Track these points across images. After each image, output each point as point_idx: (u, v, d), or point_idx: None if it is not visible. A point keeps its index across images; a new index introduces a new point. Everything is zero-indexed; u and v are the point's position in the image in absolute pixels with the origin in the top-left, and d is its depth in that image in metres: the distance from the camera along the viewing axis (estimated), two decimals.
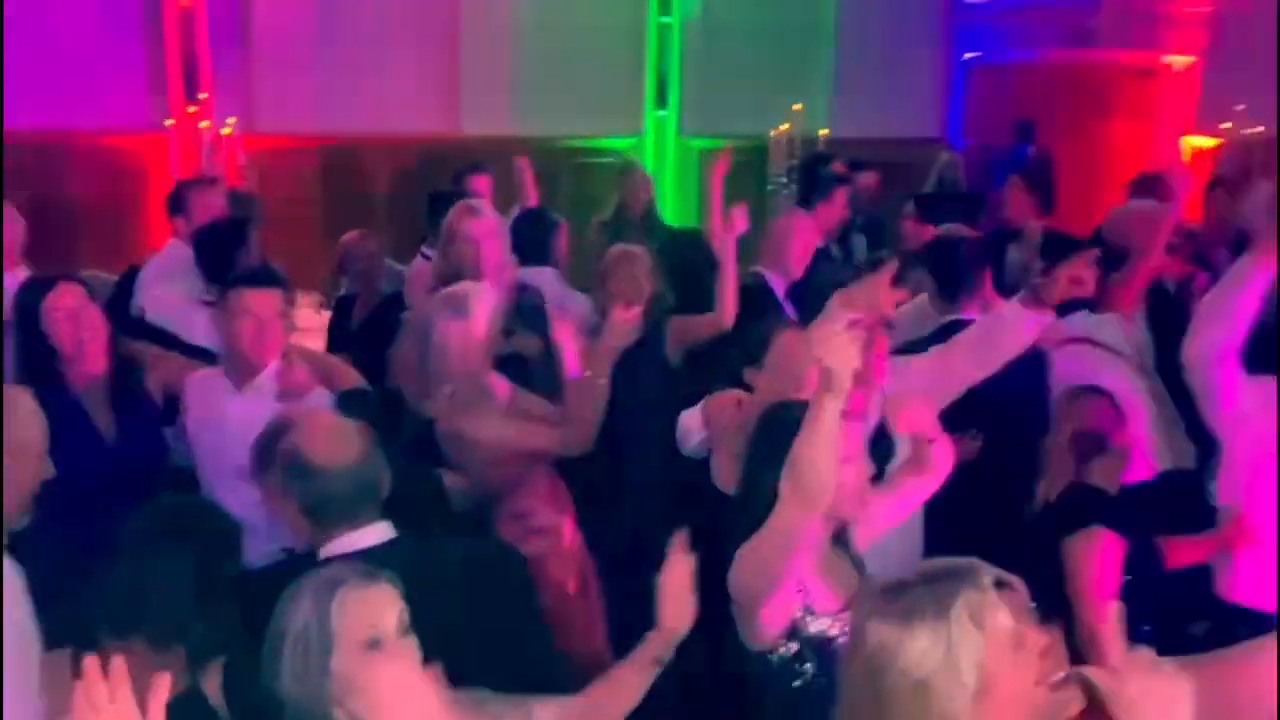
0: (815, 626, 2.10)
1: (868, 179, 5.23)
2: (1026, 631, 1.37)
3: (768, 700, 2.12)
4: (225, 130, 6.41)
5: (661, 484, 3.30)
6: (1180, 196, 4.01)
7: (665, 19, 6.84)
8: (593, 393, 2.84)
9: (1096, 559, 2.46)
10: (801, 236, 4.23)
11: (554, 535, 2.60)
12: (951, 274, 3.48)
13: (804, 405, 2.02)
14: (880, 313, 2.89)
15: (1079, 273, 2.78)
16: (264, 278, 2.91)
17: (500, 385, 2.94)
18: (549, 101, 6.66)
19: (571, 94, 6.63)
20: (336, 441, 2.07)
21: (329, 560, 1.96)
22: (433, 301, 3.05)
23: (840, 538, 2.24)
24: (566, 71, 6.55)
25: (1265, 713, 1.62)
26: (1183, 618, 3.00)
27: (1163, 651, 1.52)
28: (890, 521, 2.41)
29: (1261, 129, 7.15)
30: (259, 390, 2.77)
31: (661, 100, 6.86)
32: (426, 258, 4.20)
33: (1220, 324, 2.64)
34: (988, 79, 7.65)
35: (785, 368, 2.52)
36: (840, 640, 2.05)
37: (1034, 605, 1.75)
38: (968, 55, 7.41)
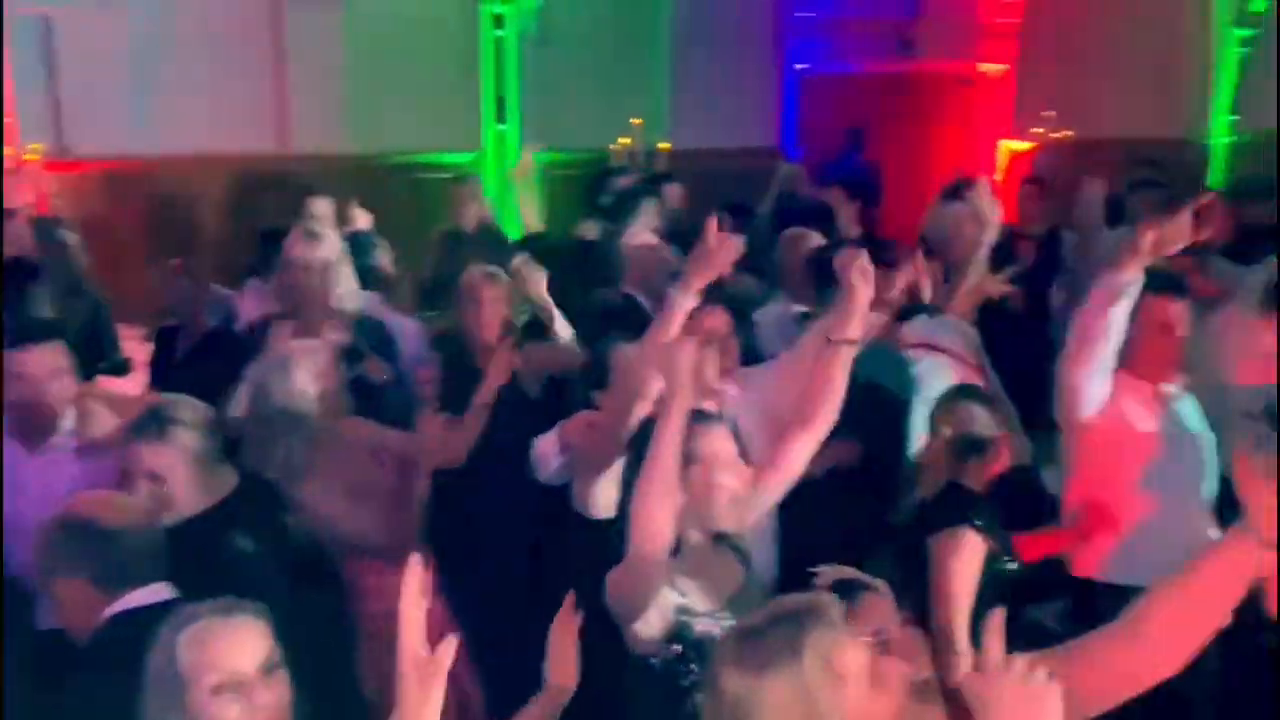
0: (700, 627, 2.08)
1: (673, 191, 5.27)
2: (882, 664, 1.35)
3: (658, 700, 2.10)
4: (30, 156, 5.97)
5: (525, 513, 3.21)
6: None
7: (500, 33, 6.74)
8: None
9: (961, 559, 2.50)
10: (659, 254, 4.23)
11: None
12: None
13: None
14: (722, 320, 2.92)
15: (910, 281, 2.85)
16: (35, 334, 2.71)
17: (360, 428, 2.90)
18: (383, 118, 6.47)
19: (407, 110, 6.46)
20: (117, 504, 2.05)
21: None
22: (261, 367, 2.91)
23: (723, 535, 2.23)
24: (401, 87, 6.37)
25: (1108, 698, 1.67)
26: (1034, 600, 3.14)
27: (1016, 639, 1.55)
28: (786, 479, 2.44)
29: (1070, 132, 7.64)
30: (56, 450, 2.61)
31: (500, 115, 6.76)
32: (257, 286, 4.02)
33: (1099, 341, 2.78)
34: (818, 89, 7.87)
35: (628, 386, 2.44)
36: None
37: (903, 609, 1.76)
38: (799, 66, 7.61)
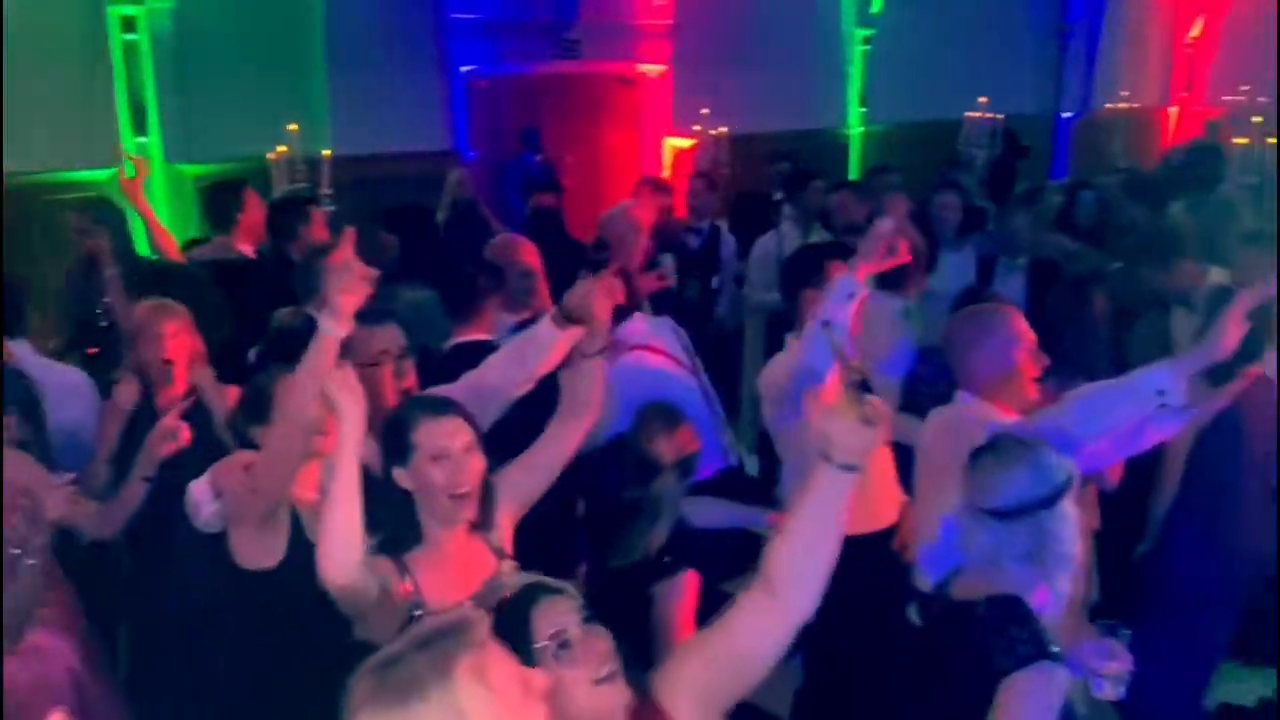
0: None
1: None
2: (530, 675, 1.34)
3: None
4: None
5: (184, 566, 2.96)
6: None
7: (131, 37, 6.16)
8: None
9: (682, 599, 2.53)
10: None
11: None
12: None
13: None
14: (393, 338, 2.85)
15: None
16: None
17: None
18: (9, 135, 5.71)
19: (33, 125, 5.73)
20: None
21: None
22: None
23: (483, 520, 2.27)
24: (20, 100, 5.65)
25: (766, 655, 1.78)
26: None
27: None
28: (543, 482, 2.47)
29: (725, 129, 8.12)
30: None
31: (140, 126, 6.20)
32: None
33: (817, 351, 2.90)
34: (487, 91, 7.87)
35: (293, 416, 2.30)
36: None
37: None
38: (465, 68, 7.56)
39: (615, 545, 2.61)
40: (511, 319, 3.79)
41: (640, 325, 3.71)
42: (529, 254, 3.97)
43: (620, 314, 3.54)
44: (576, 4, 7.74)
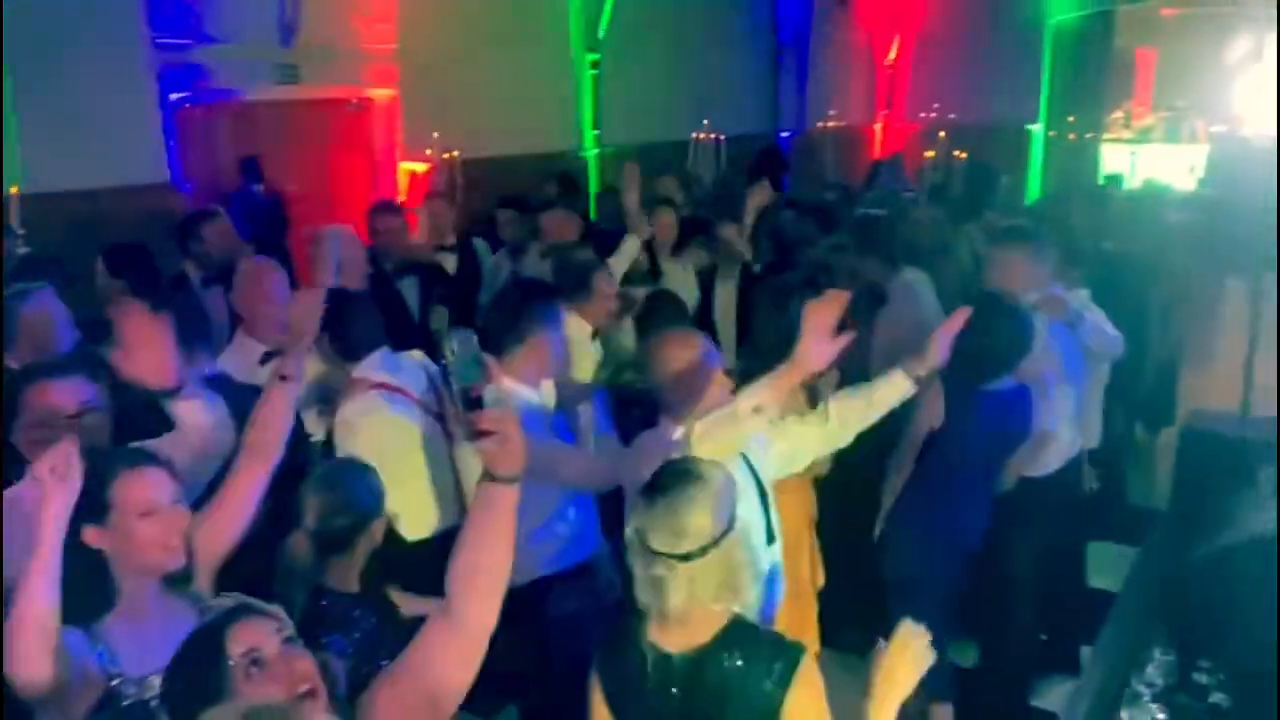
0: (130, 692, 2.01)
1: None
2: None
3: None
4: None
5: None
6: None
7: None
8: None
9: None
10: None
11: None
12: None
13: None
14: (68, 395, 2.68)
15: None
16: None
17: None
18: None
19: None
20: None
21: None
22: None
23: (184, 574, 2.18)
24: None
25: (455, 688, 1.82)
26: None
27: None
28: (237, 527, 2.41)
29: (456, 153, 8.13)
30: None
31: None
32: None
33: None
34: (202, 119, 7.49)
35: None
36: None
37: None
38: (175, 96, 7.15)
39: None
40: (261, 347, 3.77)
41: (379, 361, 3.55)
42: (273, 282, 3.94)
43: (364, 346, 3.51)
44: (293, 28, 7.50)
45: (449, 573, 1.82)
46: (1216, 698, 2.85)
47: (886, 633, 2.00)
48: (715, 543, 2.08)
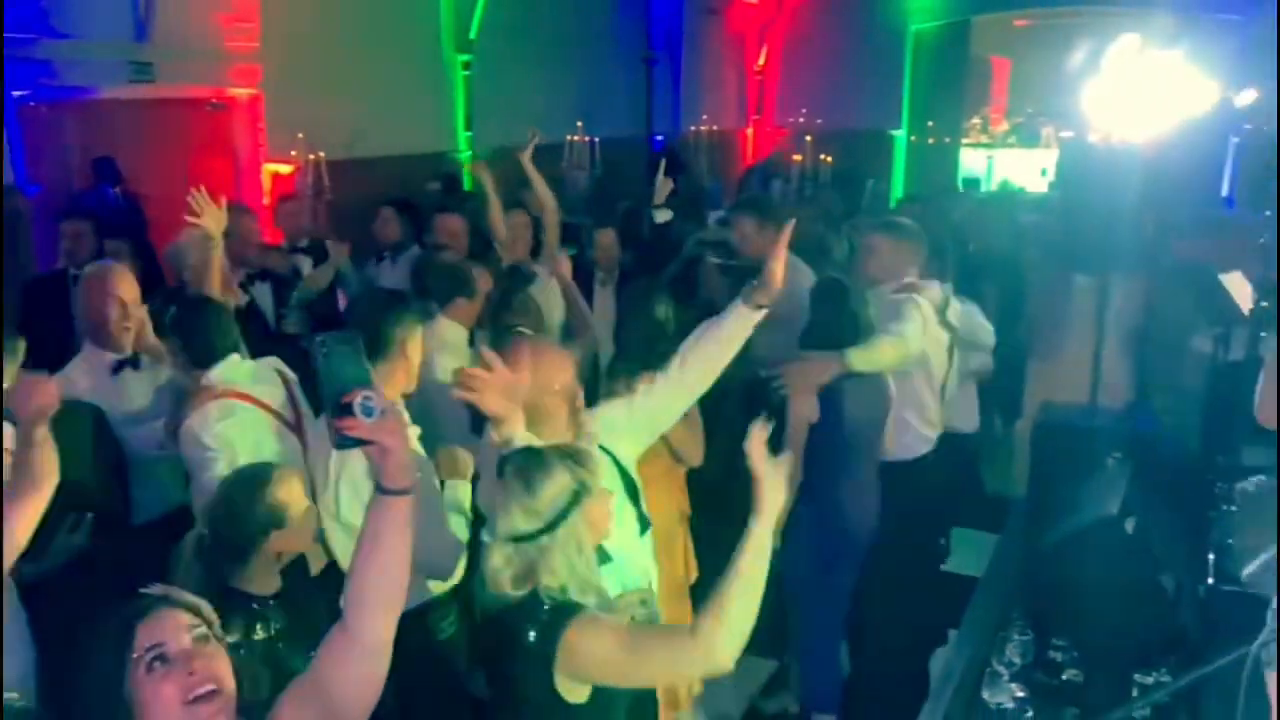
0: None
1: None
2: None
3: None
4: None
5: None
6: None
7: None
8: None
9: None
10: None
11: None
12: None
13: None
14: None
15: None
16: None
17: None
18: None
19: None
20: None
21: None
22: None
23: None
24: None
25: (362, 701, 1.77)
26: None
27: None
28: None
29: (322, 154, 7.92)
30: None
31: None
32: None
33: None
34: (47, 118, 7.10)
35: None
36: None
37: None
38: (17, 93, 6.76)
39: None
40: (110, 357, 3.77)
41: (229, 369, 3.40)
42: (124, 286, 3.84)
43: (216, 353, 3.37)
44: (146, 24, 7.17)
45: (345, 586, 1.77)
46: (1070, 674, 3.00)
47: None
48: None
